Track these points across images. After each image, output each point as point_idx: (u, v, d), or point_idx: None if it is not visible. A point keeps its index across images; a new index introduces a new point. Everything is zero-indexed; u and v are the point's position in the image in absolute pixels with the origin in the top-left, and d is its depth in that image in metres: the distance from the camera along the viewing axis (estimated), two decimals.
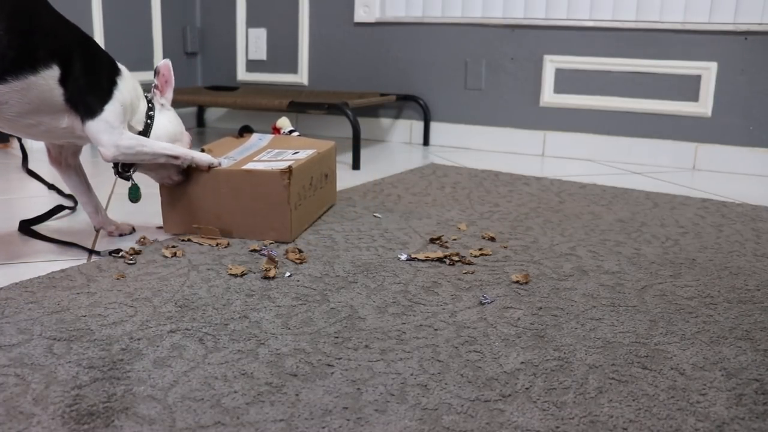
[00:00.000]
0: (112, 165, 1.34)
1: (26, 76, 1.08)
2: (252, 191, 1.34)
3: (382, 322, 0.99)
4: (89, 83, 1.17)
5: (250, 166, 1.38)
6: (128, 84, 1.25)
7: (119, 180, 1.48)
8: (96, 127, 1.17)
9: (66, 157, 1.34)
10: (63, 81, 1.13)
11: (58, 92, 1.13)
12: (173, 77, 1.37)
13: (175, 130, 1.36)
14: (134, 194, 1.37)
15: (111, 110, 1.19)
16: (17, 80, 1.08)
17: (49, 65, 1.11)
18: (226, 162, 1.40)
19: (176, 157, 1.30)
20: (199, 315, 0.99)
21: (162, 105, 1.35)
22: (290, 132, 1.79)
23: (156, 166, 1.33)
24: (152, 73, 1.38)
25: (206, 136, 3.01)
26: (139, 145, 1.23)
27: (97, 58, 1.20)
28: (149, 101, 1.33)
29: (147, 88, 1.35)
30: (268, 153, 1.51)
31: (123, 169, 1.33)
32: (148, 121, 1.30)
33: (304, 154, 1.48)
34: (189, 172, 1.36)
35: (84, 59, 1.16)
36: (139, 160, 1.27)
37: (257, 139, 1.66)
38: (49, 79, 1.11)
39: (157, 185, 1.41)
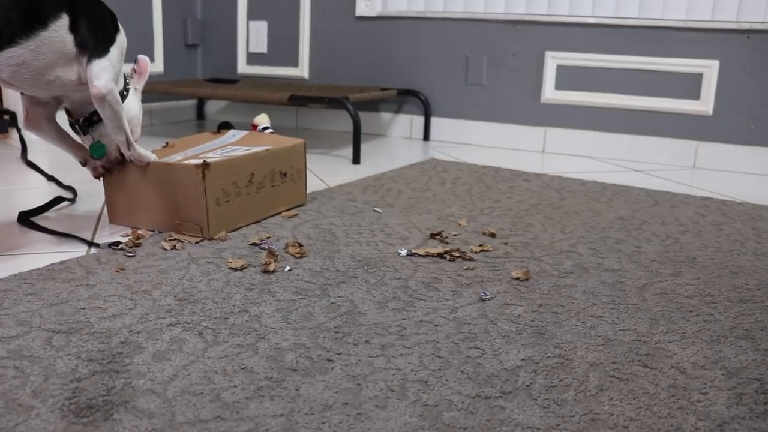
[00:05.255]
0: (70, 121, 1.35)
1: (37, 33, 1.08)
2: (173, 186, 1.32)
3: (383, 317, 0.98)
4: (98, 24, 1.18)
5: (176, 160, 1.37)
6: (124, 36, 1.27)
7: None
8: (101, 65, 1.18)
9: (44, 118, 1.32)
10: (72, 27, 1.13)
11: (69, 40, 1.14)
12: (148, 74, 1.40)
13: (138, 115, 1.38)
14: (99, 150, 1.35)
15: (115, 53, 1.22)
16: (29, 39, 1.07)
17: (57, 15, 1.10)
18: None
19: (129, 145, 1.30)
20: (198, 308, 0.99)
21: (135, 89, 1.38)
22: (264, 129, 1.78)
23: (104, 134, 1.33)
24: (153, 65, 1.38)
25: (207, 128, 3.00)
26: (119, 103, 1.23)
27: (99, 2, 1.22)
28: (125, 79, 1.34)
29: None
30: (226, 150, 1.49)
31: (84, 123, 1.32)
32: (125, 92, 1.31)
33: (252, 151, 1.46)
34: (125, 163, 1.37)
35: (87, 2, 1.17)
36: (109, 118, 1.24)
37: (231, 136, 1.65)
38: (60, 30, 1.11)
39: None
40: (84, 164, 1.41)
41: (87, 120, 1.32)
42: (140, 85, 1.39)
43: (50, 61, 1.12)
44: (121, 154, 1.35)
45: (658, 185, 2.08)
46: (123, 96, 1.30)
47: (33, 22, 1.07)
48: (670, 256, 1.33)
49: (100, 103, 1.20)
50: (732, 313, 1.05)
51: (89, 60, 1.17)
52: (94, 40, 1.17)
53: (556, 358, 0.87)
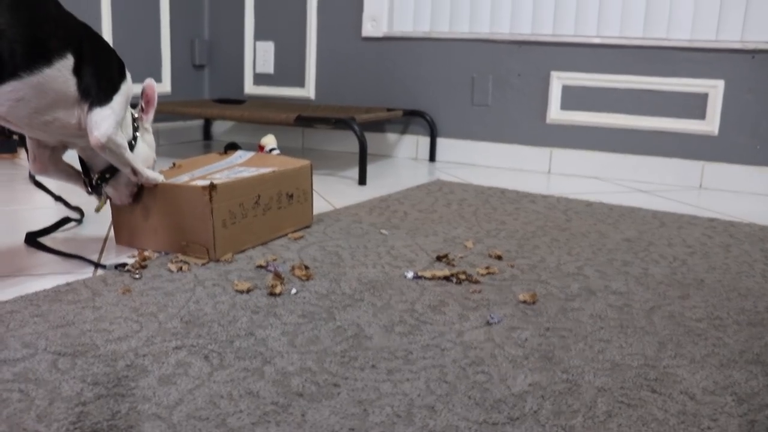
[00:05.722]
0: (85, 186, 1.36)
1: (41, 69, 1.06)
2: (180, 207, 1.33)
3: (389, 341, 0.98)
4: (103, 71, 1.17)
5: (183, 181, 1.37)
6: (130, 84, 1.26)
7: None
8: (103, 113, 1.17)
9: (51, 162, 1.33)
10: (76, 70, 1.13)
11: (72, 82, 1.13)
12: (156, 98, 1.38)
13: (151, 155, 1.39)
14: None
15: (118, 101, 1.21)
16: (32, 75, 1.06)
17: (63, 55, 1.10)
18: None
19: (136, 173, 1.30)
20: (204, 331, 0.98)
21: (146, 129, 1.38)
22: (271, 150, 1.78)
23: (117, 184, 1.34)
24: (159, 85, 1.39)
25: (213, 149, 3.01)
26: (123, 147, 1.24)
27: (107, 49, 1.22)
28: (134, 120, 1.34)
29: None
30: (233, 171, 1.49)
31: (97, 182, 1.33)
32: (133, 141, 1.31)
33: (259, 172, 1.46)
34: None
35: (95, 48, 1.17)
36: (112, 160, 1.25)
37: (237, 157, 1.66)
38: (63, 70, 1.10)
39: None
40: (90, 192, 1.41)
41: (100, 178, 1.33)
42: (149, 117, 1.38)
43: (50, 101, 1.11)
44: (133, 194, 1.37)
45: (664, 206, 2.08)
46: (132, 145, 1.30)
47: (38, 57, 1.06)
48: (677, 279, 1.32)
49: (101, 151, 1.20)
50: (741, 337, 1.04)
51: (90, 108, 1.16)
52: (97, 87, 1.16)
53: (563, 383, 0.87)
